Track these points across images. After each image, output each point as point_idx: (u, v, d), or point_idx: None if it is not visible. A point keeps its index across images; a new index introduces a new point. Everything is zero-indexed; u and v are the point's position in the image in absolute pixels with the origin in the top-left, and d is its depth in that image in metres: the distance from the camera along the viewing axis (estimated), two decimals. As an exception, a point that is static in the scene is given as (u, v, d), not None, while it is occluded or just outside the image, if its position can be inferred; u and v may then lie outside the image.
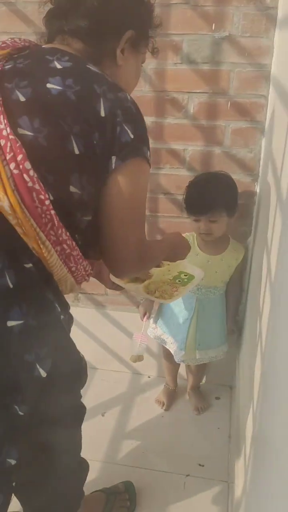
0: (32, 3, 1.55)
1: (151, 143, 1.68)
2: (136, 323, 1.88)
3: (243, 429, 1.33)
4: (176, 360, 1.77)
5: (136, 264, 0.92)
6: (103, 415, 1.89)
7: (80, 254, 0.86)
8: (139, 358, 1.67)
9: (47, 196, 0.77)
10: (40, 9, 1.49)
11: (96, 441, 1.76)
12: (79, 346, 2.10)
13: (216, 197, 1.50)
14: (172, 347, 1.77)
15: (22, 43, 0.91)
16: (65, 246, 0.82)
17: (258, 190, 1.66)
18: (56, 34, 0.92)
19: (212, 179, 1.55)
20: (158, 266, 1.31)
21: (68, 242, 0.82)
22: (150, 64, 1.57)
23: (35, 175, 0.76)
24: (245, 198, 1.69)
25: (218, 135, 1.62)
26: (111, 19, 0.88)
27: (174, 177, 1.69)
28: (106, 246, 0.90)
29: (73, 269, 0.86)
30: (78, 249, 0.85)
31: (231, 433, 1.75)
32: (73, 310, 2.09)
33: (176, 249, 1.19)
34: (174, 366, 1.91)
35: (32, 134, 0.77)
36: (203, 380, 1.99)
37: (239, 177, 1.67)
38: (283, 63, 1.32)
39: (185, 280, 1.36)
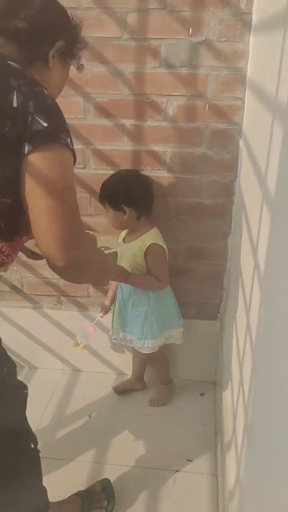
0: (10, 7, 1.55)
1: (132, 146, 1.71)
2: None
3: (232, 421, 1.36)
4: (112, 338, 1.87)
5: (67, 253, 0.91)
6: (90, 417, 1.90)
7: None
8: (82, 345, 1.79)
9: None
10: None
11: (84, 443, 1.77)
12: (63, 350, 2.12)
13: (102, 190, 1.63)
14: None
15: None
16: None
17: (236, 190, 1.71)
18: None
19: (121, 176, 1.66)
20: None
21: None
22: (129, 67, 1.59)
23: None
24: (223, 197, 1.74)
25: (197, 136, 1.66)
26: (48, 26, 0.99)
27: (155, 179, 1.72)
28: (35, 233, 0.92)
29: None
30: None
31: (216, 428, 1.79)
32: (56, 313, 2.10)
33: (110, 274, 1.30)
34: (135, 358, 2.01)
35: None
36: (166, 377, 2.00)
37: (218, 178, 1.71)
38: (258, 67, 1.36)
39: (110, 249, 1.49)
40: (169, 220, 1.78)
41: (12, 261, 1.08)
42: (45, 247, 0.92)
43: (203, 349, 1.98)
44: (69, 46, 1.06)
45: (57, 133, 0.89)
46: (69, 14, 1.07)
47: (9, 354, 1.27)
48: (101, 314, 1.87)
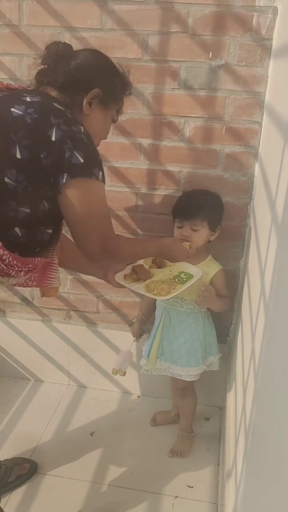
0: (35, 26, 1.60)
1: (148, 164, 1.72)
2: (126, 341, 1.89)
3: (234, 448, 1.33)
4: (141, 370, 1.78)
5: (102, 255, 1.18)
6: (91, 435, 1.87)
7: None
8: (121, 372, 1.71)
9: None
10: (44, 32, 1.54)
11: (84, 461, 1.74)
12: (70, 364, 2.11)
13: (201, 206, 1.58)
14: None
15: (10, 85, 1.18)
16: None
17: (250, 213, 1.70)
18: (39, 85, 1.20)
19: (202, 192, 1.65)
20: (160, 265, 1.52)
21: None
22: (148, 88, 1.61)
23: None
24: (238, 220, 1.73)
25: (213, 158, 1.67)
26: (80, 79, 1.16)
27: (169, 198, 1.72)
28: (75, 240, 1.16)
29: None
30: None
31: (220, 455, 1.75)
32: (64, 328, 2.10)
33: (170, 252, 1.41)
34: (174, 390, 1.87)
35: None
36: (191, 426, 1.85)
37: (232, 200, 1.71)
38: (276, 91, 1.37)
39: (184, 279, 1.49)
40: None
41: (19, 276, 1.13)
42: (86, 249, 1.16)
43: (211, 373, 1.95)
44: (108, 94, 1.20)
45: (92, 168, 1.07)
46: (115, 64, 1.24)
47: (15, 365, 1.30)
48: (135, 338, 1.82)
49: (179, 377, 1.70)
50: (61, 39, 1.60)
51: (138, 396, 2.09)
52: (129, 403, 2.06)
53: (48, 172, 1.04)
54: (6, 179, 1.00)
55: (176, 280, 1.49)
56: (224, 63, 1.54)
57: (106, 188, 1.75)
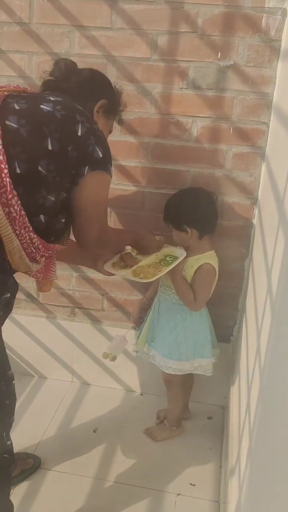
0: (45, 25, 1.61)
1: (155, 164, 1.73)
2: (132, 340, 1.90)
3: (237, 447, 1.34)
4: (132, 350, 1.82)
5: (95, 243, 1.30)
6: (94, 432, 1.88)
7: (27, 224, 1.08)
8: (111, 356, 1.71)
9: (6, 166, 1.01)
10: (54, 31, 1.55)
11: (87, 457, 1.75)
12: (74, 361, 2.12)
13: (176, 211, 1.59)
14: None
15: (22, 89, 1.24)
16: (12, 209, 1.04)
17: (256, 213, 1.71)
18: (52, 90, 1.25)
19: (178, 194, 1.63)
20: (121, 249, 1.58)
21: (16, 208, 1.04)
22: (156, 87, 1.62)
23: (2, 149, 1.01)
24: (243, 220, 1.74)
25: (220, 158, 1.67)
26: (92, 88, 1.31)
27: (175, 197, 1.73)
28: (76, 228, 1.26)
29: (17, 232, 1.07)
30: (25, 216, 1.07)
31: (223, 453, 1.75)
32: (69, 325, 2.11)
33: (143, 242, 1.52)
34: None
35: (16, 126, 1.05)
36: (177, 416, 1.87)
37: (238, 200, 1.71)
38: (284, 92, 1.37)
39: (169, 261, 1.52)
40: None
41: (41, 262, 1.20)
42: (85, 236, 1.28)
43: (214, 372, 1.95)
44: (110, 104, 1.34)
45: (107, 163, 1.18)
46: (112, 83, 1.37)
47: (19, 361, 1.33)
48: (134, 325, 1.85)
49: (159, 367, 1.72)
50: (71, 38, 1.61)
51: (141, 394, 2.10)
52: (131, 401, 2.06)
53: (72, 164, 1.12)
54: (40, 168, 1.08)
55: (162, 263, 1.52)
56: (232, 63, 1.55)
57: (113, 186, 1.78)
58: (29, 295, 2.04)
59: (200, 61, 1.57)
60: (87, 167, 1.14)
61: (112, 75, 1.62)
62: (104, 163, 1.17)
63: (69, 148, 1.10)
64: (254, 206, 1.71)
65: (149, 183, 1.75)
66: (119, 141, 1.71)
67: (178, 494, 1.62)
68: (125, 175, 1.76)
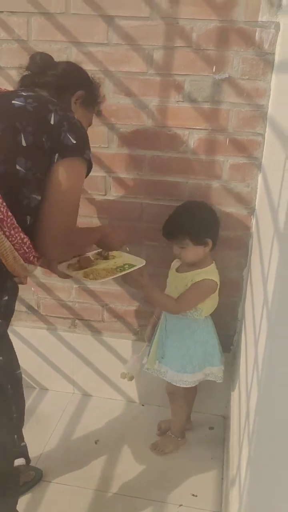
0: (43, 41, 1.64)
1: (152, 176, 1.75)
2: (131, 350, 1.91)
3: (237, 456, 1.34)
4: (143, 367, 1.79)
5: (58, 242, 1.18)
6: (96, 443, 1.88)
7: (16, 225, 1.07)
8: (128, 376, 1.75)
9: None
10: (52, 47, 1.58)
11: (88, 469, 1.75)
12: (75, 373, 2.12)
13: (179, 226, 1.57)
14: None
15: None
16: None
17: (254, 223, 1.72)
18: (27, 85, 1.28)
19: (184, 209, 1.62)
20: (106, 257, 1.55)
21: (2, 209, 1.04)
22: (153, 101, 1.65)
23: None
24: (241, 230, 1.75)
25: (217, 169, 1.69)
26: (69, 80, 1.30)
27: (173, 209, 1.74)
28: (40, 221, 1.15)
29: (7, 233, 1.06)
30: (12, 217, 1.06)
31: (224, 463, 1.75)
32: (69, 336, 2.12)
33: (107, 240, 1.44)
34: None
35: None
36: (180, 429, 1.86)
37: (236, 210, 1.73)
38: (279, 104, 1.40)
39: (126, 268, 1.50)
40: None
41: (36, 262, 1.19)
42: (41, 234, 1.15)
43: (215, 382, 1.96)
44: (88, 96, 1.34)
45: (81, 150, 1.15)
46: (90, 75, 1.39)
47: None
48: (148, 343, 1.82)
49: (174, 383, 1.70)
50: (68, 54, 1.64)
51: (142, 405, 2.10)
52: (133, 412, 2.06)
53: (47, 155, 1.11)
54: (17, 167, 1.07)
55: (118, 269, 1.49)
56: (227, 76, 1.58)
57: (111, 198, 1.80)
58: (29, 307, 2.05)
59: (195, 75, 1.60)
60: (57, 154, 1.11)
61: (109, 89, 1.65)
62: (77, 150, 1.13)
63: (43, 139, 1.10)
64: (252, 216, 1.73)
65: (147, 194, 1.77)
66: (117, 154, 1.73)
67: (180, 505, 1.61)
68: (123, 187, 1.78)
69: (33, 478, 1.66)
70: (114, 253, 1.58)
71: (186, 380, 1.69)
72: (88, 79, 1.38)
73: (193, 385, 1.71)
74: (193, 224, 1.56)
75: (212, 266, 1.65)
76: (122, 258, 1.56)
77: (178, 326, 1.69)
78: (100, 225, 1.54)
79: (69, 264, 1.50)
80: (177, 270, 1.70)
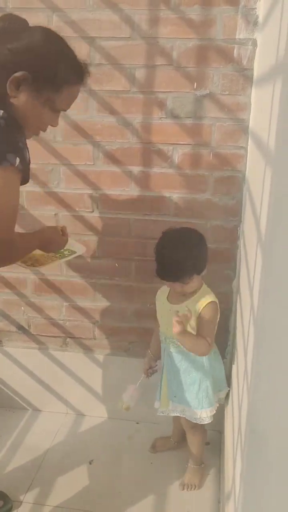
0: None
1: (138, 191, 1.76)
2: (124, 367, 1.89)
3: (231, 471, 1.32)
4: (157, 412, 1.71)
5: None
6: (90, 463, 1.85)
7: None
8: (125, 406, 1.70)
9: None
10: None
11: (83, 491, 1.72)
12: (67, 392, 2.09)
13: (183, 267, 1.48)
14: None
15: None
16: None
17: (240, 235, 1.73)
18: None
19: (176, 245, 1.51)
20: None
21: None
22: (137, 118, 1.67)
23: None
24: (228, 242, 1.76)
25: (202, 183, 1.71)
26: (8, 62, 1.08)
27: (161, 223, 1.76)
28: None
29: None
30: None
31: (220, 478, 1.73)
32: (61, 355, 2.10)
33: (49, 244, 1.35)
34: (176, 419, 1.84)
35: None
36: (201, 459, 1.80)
37: (222, 223, 1.74)
38: (259, 118, 1.42)
39: (66, 255, 1.47)
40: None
41: None
42: None
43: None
44: (39, 79, 1.10)
45: (3, 154, 1.01)
46: (69, 52, 1.17)
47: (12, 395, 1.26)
48: (145, 375, 1.77)
49: (195, 421, 1.64)
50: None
51: (137, 423, 2.08)
52: (128, 430, 2.04)
53: None
54: None
55: (58, 255, 1.45)
56: (208, 92, 1.61)
57: (98, 215, 1.81)
58: (20, 327, 2.04)
59: (177, 92, 1.63)
60: None
61: (93, 108, 1.68)
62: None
63: None
64: (238, 228, 1.74)
65: (135, 210, 1.78)
66: (103, 171, 1.75)
67: (177, 524, 1.59)
68: (110, 203, 1.79)
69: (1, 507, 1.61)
70: None
71: (206, 416, 1.63)
72: (55, 55, 1.13)
73: (213, 419, 1.65)
74: (196, 260, 1.51)
75: (205, 286, 1.61)
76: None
77: (185, 361, 1.62)
78: (41, 231, 1.41)
79: None
80: (170, 301, 1.62)
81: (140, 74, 1.63)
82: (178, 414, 1.68)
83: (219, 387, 1.69)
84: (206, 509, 1.64)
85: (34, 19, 1.58)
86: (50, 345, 2.05)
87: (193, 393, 1.62)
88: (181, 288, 1.53)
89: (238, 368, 1.39)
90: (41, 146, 1.75)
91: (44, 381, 2.09)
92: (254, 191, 1.35)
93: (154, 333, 1.76)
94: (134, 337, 1.96)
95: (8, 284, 1.96)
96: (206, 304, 1.54)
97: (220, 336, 1.88)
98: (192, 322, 1.54)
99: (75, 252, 1.49)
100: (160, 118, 1.67)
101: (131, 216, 1.80)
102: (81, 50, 1.62)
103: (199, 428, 1.72)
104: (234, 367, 1.60)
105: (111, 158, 1.74)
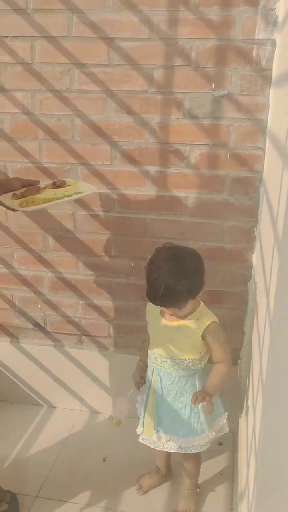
0: (47, 64, 1.69)
1: (155, 191, 1.77)
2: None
3: (245, 472, 1.32)
4: (139, 438, 1.58)
5: None
6: (104, 460, 1.87)
7: None
8: (116, 421, 1.58)
9: None
10: (55, 69, 1.62)
11: (97, 487, 1.74)
12: (82, 390, 2.10)
13: (173, 294, 1.35)
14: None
15: None
16: None
17: (257, 236, 1.73)
18: None
19: (171, 269, 1.35)
20: (60, 186, 1.45)
21: None
22: (154, 118, 1.68)
23: None
24: (244, 243, 1.76)
25: (219, 183, 1.71)
26: None
27: (177, 223, 1.77)
28: None
29: None
30: None
31: (234, 479, 1.73)
32: (76, 352, 2.12)
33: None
34: (159, 452, 1.62)
35: None
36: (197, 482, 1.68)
37: (239, 223, 1.74)
38: (277, 118, 1.42)
39: (73, 196, 1.42)
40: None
41: None
42: None
43: (223, 398, 1.93)
44: None
45: None
46: None
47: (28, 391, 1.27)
48: (135, 387, 1.67)
49: (183, 451, 1.50)
50: (71, 75, 1.68)
51: (151, 421, 2.08)
52: (141, 429, 2.04)
53: None
54: None
55: (64, 198, 1.41)
56: (226, 93, 1.61)
57: (115, 214, 1.82)
58: (36, 324, 2.06)
59: (195, 92, 1.63)
60: None
61: (111, 108, 1.69)
62: None
63: None
64: (255, 229, 1.74)
65: (151, 209, 1.79)
66: (120, 171, 1.76)
67: (190, 523, 1.59)
68: (126, 203, 1.80)
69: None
70: (70, 181, 1.54)
71: (198, 443, 1.49)
72: None
73: (207, 447, 1.52)
74: (192, 286, 1.37)
75: (202, 307, 1.48)
76: (74, 186, 1.49)
77: (179, 383, 1.49)
78: None
79: (13, 193, 1.40)
80: (163, 316, 1.49)
81: (158, 74, 1.64)
82: (163, 448, 1.53)
83: (215, 412, 1.48)
84: (219, 507, 1.65)
85: (55, 20, 1.63)
86: (66, 342, 2.07)
87: (183, 419, 1.48)
88: (173, 312, 1.43)
89: (253, 369, 1.39)
90: (59, 146, 1.78)
91: (59, 378, 2.11)
92: (271, 192, 1.35)
93: (145, 342, 1.63)
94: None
95: (25, 282, 1.99)
96: (210, 325, 1.43)
97: (234, 337, 1.89)
98: (196, 341, 1.44)
99: (81, 193, 1.43)
100: (178, 118, 1.67)
101: (147, 215, 1.81)
102: (100, 51, 1.64)
103: (192, 456, 1.58)
104: (249, 368, 1.59)
105: (128, 158, 1.75)
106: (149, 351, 1.55)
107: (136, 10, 1.58)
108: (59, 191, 1.46)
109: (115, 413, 1.61)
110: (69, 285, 1.97)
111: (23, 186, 1.43)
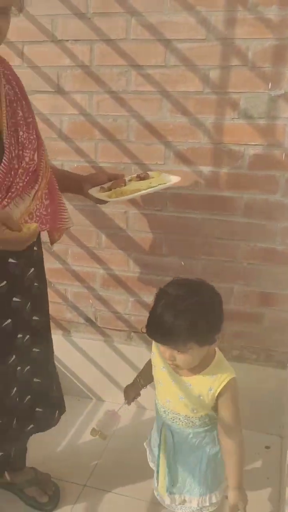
0: (104, 66, 1.73)
1: (208, 191, 1.77)
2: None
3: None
4: (156, 493, 1.47)
5: None
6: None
7: None
8: (101, 435, 1.48)
9: None
10: (113, 71, 1.66)
11: (143, 481, 1.76)
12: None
13: (181, 327, 1.14)
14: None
15: None
16: None
17: (312, 238, 1.70)
18: None
19: (184, 300, 1.17)
20: (143, 178, 1.51)
21: None
22: (209, 119, 1.69)
23: None
24: (300, 245, 1.74)
25: (273, 184, 1.69)
26: None
27: (230, 224, 1.77)
28: None
29: None
30: None
31: (281, 484, 1.70)
32: (125, 348, 2.16)
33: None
34: None
35: None
36: None
37: (293, 225, 1.72)
38: None
39: (158, 186, 1.44)
40: (240, 265, 1.80)
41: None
42: None
43: (270, 399, 1.92)
44: None
45: None
46: None
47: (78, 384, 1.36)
48: (126, 401, 1.62)
49: (200, 510, 1.36)
50: (128, 77, 1.72)
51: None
52: (143, 419, 2.07)
53: None
54: None
55: (149, 188, 1.42)
56: (283, 92, 1.59)
57: (167, 213, 1.84)
58: (87, 319, 2.12)
59: (251, 92, 1.62)
60: None
61: (166, 109, 1.71)
62: None
63: None
64: (310, 230, 1.71)
65: (203, 209, 1.80)
66: (173, 170, 1.77)
67: (235, 524, 1.58)
68: (179, 202, 1.82)
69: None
70: (153, 173, 1.58)
71: (215, 500, 1.36)
72: None
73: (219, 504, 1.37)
74: (202, 323, 1.16)
75: (219, 355, 1.29)
76: (159, 178, 1.52)
77: (197, 436, 1.33)
78: None
79: (101, 187, 1.47)
80: (176, 371, 1.31)
81: (214, 74, 1.64)
82: (178, 510, 1.40)
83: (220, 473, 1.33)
84: (267, 509, 1.63)
85: (113, 23, 1.67)
86: (115, 338, 2.12)
87: (200, 476, 1.33)
88: (172, 356, 1.21)
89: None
90: (114, 146, 1.82)
91: (108, 373, 2.16)
92: None
93: (148, 361, 1.53)
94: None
95: (78, 278, 2.05)
96: (230, 381, 1.24)
97: (283, 339, 1.86)
98: (209, 401, 1.26)
99: (165, 183, 1.45)
100: (233, 118, 1.67)
101: (199, 215, 1.82)
102: (156, 52, 1.67)
103: None
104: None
105: (182, 158, 1.76)
106: (155, 400, 1.41)
107: (194, 11, 1.60)
108: (144, 183, 1.49)
109: (99, 426, 1.47)
110: (120, 282, 2.01)
111: (109, 180, 1.49)
